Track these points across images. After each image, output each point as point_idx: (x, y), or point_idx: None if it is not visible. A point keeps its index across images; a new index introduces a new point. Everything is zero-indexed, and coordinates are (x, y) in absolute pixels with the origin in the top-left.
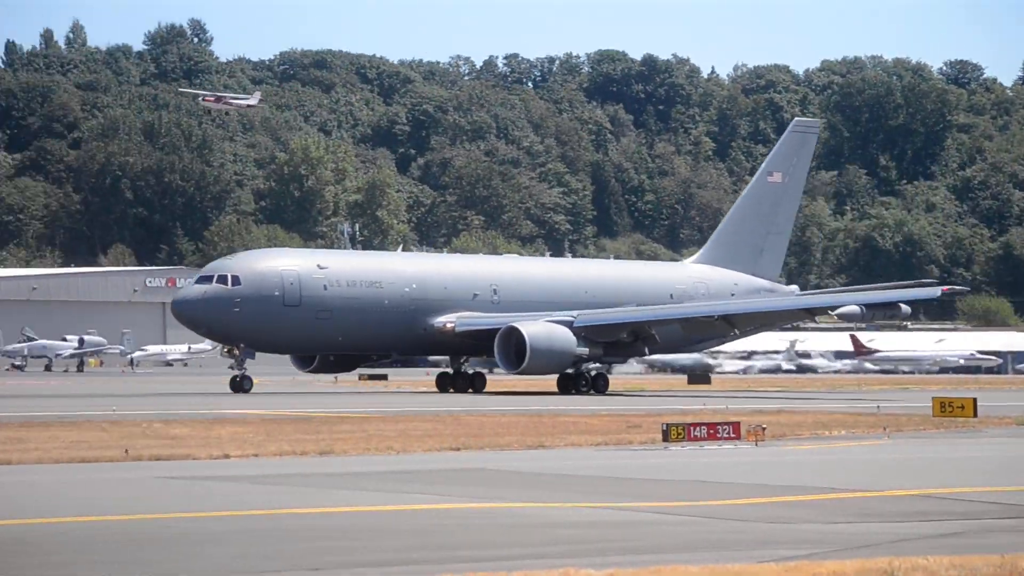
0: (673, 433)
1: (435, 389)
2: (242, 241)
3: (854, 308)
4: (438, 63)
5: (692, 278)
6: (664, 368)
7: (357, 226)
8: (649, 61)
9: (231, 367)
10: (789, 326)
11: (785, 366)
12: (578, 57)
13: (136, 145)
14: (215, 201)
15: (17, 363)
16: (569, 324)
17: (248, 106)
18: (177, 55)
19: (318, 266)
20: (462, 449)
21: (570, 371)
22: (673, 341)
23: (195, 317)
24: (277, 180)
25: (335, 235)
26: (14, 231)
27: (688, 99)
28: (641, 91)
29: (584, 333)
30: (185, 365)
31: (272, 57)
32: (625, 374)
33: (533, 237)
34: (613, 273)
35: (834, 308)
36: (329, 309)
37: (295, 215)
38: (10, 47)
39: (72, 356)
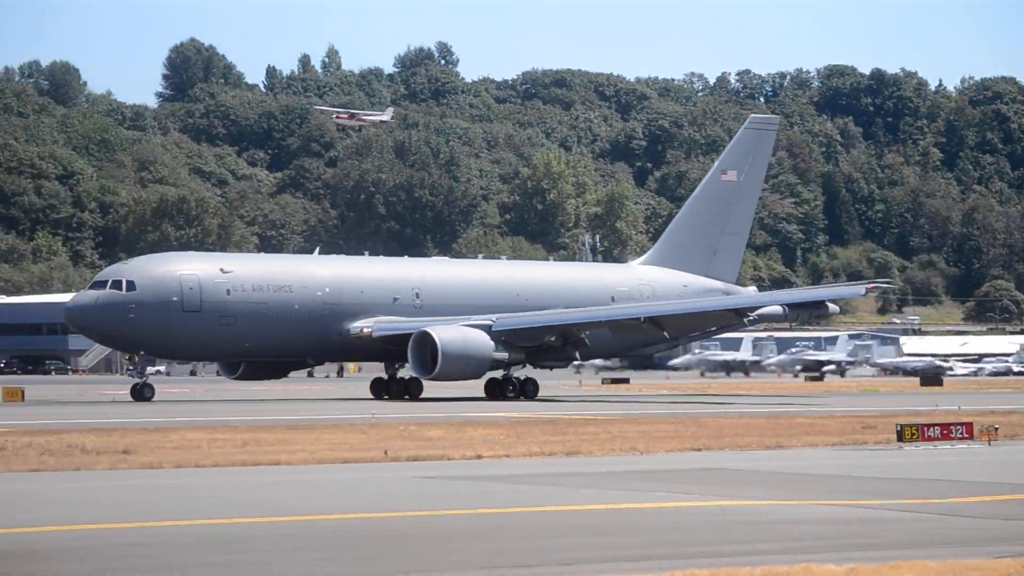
0: (907, 433)
1: (370, 395)
2: (489, 253)
3: (776, 309)
4: (673, 80)
5: (636, 280)
6: (895, 371)
7: (597, 237)
8: (878, 75)
9: (129, 374)
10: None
11: (1016, 368)
12: (808, 72)
13: (388, 163)
14: (463, 215)
15: None
16: (487, 328)
17: (381, 122)
18: (426, 77)
19: (221, 270)
20: (703, 449)
21: (496, 376)
22: (604, 345)
23: (88, 324)
24: (521, 194)
25: (576, 246)
26: (276, 245)
27: (916, 111)
28: (870, 104)
29: (504, 337)
30: None
31: (515, 77)
32: (860, 376)
33: (767, 246)
34: (548, 276)
35: (757, 308)
36: (233, 315)
37: (538, 227)
38: (271, 72)
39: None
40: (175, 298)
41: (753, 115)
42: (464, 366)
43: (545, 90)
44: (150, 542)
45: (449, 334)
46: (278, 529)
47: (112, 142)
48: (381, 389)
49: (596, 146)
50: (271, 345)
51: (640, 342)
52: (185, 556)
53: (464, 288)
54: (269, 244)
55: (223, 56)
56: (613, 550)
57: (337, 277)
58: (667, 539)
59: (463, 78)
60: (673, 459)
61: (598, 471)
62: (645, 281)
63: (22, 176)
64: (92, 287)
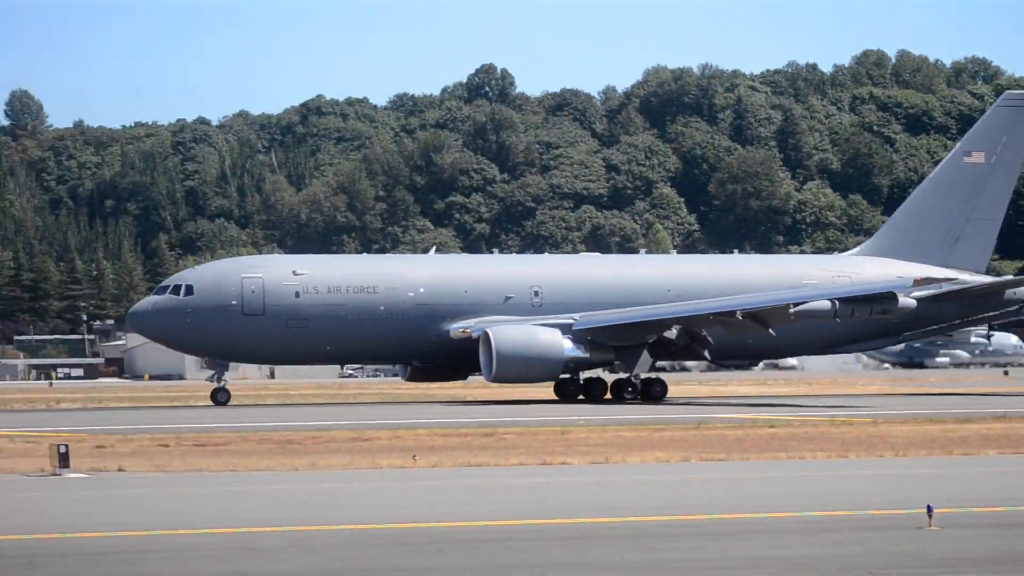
0: None
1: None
2: None
3: (823, 304)
4: None
5: (832, 271)
6: None
7: None
8: None
9: (208, 379)
10: None
11: None
12: None
13: None
14: None
15: None
16: (567, 327)
17: None
18: None
19: (293, 272)
20: None
21: (622, 376)
22: (724, 345)
23: (146, 328)
24: None
25: None
26: None
27: None
28: None
29: (589, 336)
30: None
31: None
32: None
33: None
34: (709, 269)
35: (805, 303)
36: (304, 317)
37: None
38: None
39: None
40: (234, 302)
41: (1008, 91)
42: (527, 368)
43: None
44: None
45: (508, 335)
46: None
47: None
48: (562, 391)
49: None
50: (357, 348)
51: (758, 345)
52: None
53: (596, 284)
54: None
55: None
56: None
57: (435, 277)
58: None
59: None
60: None
61: None
62: (845, 272)
63: None
64: (156, 292)
